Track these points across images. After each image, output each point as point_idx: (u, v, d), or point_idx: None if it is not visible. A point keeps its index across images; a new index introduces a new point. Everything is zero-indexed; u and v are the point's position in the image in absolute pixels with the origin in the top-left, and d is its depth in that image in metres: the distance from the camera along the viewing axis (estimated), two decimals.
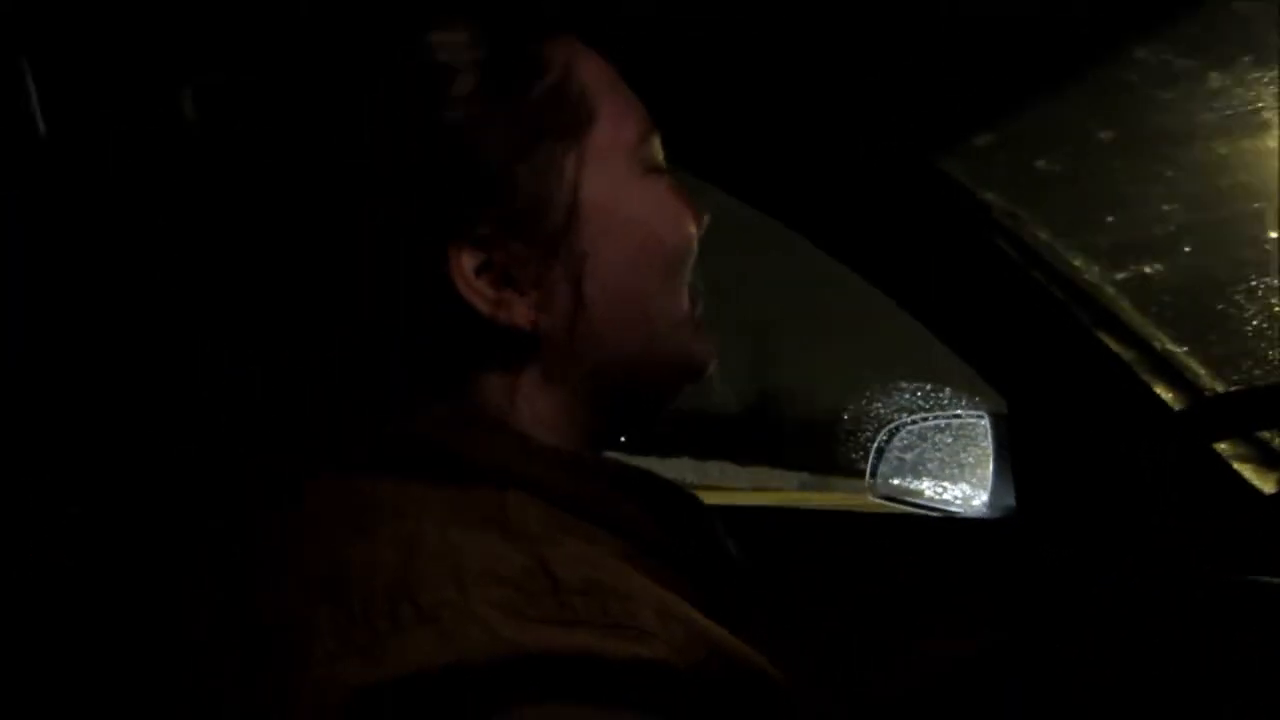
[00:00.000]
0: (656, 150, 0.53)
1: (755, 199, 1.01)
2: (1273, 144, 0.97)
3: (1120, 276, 1.05)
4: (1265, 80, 0.93)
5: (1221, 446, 0.97)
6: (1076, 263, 1.07)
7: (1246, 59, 0.92)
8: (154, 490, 0.57)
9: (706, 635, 0.41)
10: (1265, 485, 0.98)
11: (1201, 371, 1.03)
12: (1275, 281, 1.04)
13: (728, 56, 0.91)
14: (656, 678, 0.38)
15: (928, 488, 1.20)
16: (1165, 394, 1.00)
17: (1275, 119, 0.94)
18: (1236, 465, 0.98)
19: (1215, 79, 0.94)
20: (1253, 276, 1.05)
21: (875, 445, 1.22)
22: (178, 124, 0.53)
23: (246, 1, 0.54)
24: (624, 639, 0.38)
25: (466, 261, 0.46)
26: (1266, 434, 1.00)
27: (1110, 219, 1.11)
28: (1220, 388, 1.05)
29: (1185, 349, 1.03)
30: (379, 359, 0.47)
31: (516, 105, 0.48)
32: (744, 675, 0.42)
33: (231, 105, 0.51)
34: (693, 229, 0.52)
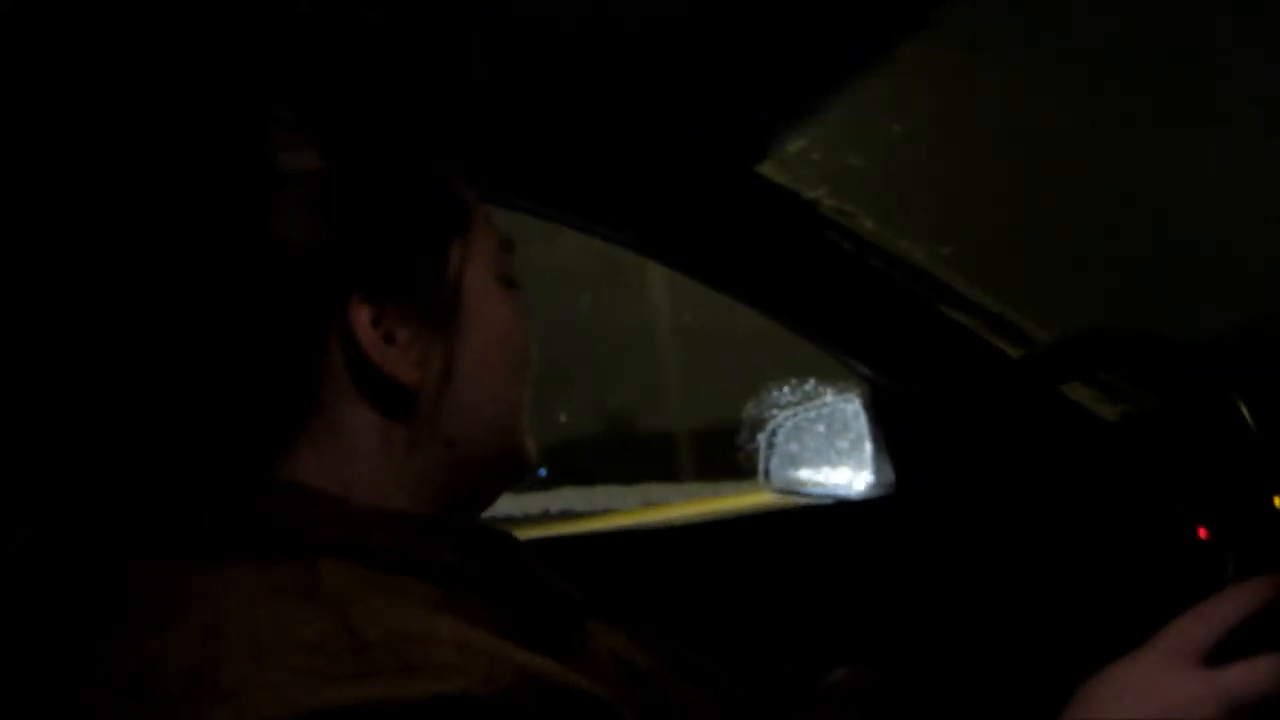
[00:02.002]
0: (511, 265, 0.59)
1: (595, 230, 1.03)
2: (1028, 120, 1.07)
3: (945, 251, 1.13)
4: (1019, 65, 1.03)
5: (1066, 389, 1.06)
6: (903, 245, 1.14)
7: (993, 45, 1.02)
8: None
9: (513, 663, 0.43)
10: (1109, 414, 1.07)
11: (1031, 326, 1.12)
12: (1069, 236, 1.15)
13: (545, 81, 0.92)
14: (456, 712, 0.40)
15: (814, 477, 1.25)
16: (1009, 350, 1.08)
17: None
18: (1082, 401, 1.07)
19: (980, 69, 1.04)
20: (1054, 233, 1.16)
21: (761, 445, 1.26)
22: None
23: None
24: (420, 679, 0.40)
25: (365, 313, 0.50)
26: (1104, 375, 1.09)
27: (923, 201, 1.19)
28: (1047, 338, 1.14)
29: (1013, 308, 1.12)
30: (250, 411, 0.49)
31: (423, 201, 0.54)
32: (561, 697, 0.43)
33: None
34: (532, 344, 0.59)
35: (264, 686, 0.38)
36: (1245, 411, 0.65)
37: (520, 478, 0.59)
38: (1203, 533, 0.67)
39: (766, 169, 1.07)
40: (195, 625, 0.41)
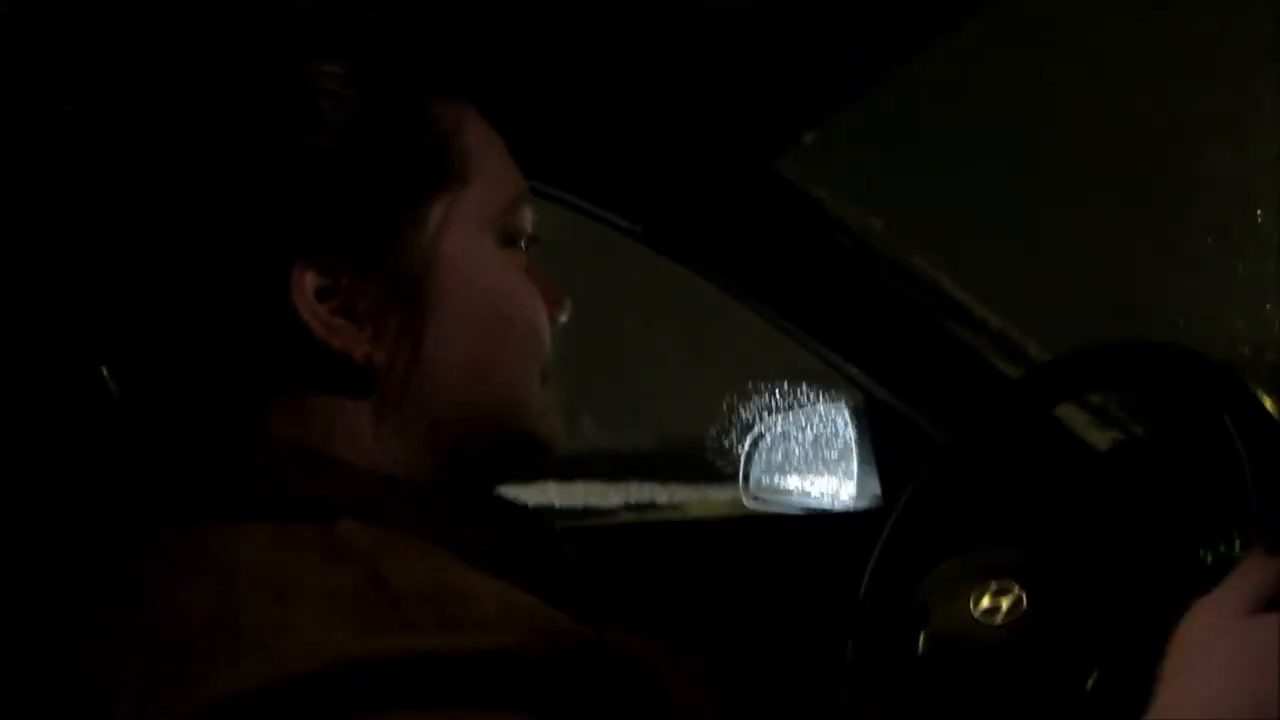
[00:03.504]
0: (524, 222, 0.53)
1: (595, 213, 1.00)
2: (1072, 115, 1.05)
3: (951, 262, 1.10)
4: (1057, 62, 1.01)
5: (1061, 411, 1.04)
6: (909, 252, 1.12)
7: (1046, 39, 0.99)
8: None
9: (550, 623, 0.42)
10: (1100, 442, 1.05)
11: (1031, 345, 1.10)
12: (1090, 253, 1.12)
13: (561, 70, 0.90)
14: (498, 670, 0.38)
15: (798, 486, 1.22)
16: (1007, 369, 1.06)
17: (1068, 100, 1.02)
18: (1075, 428, 1.05)
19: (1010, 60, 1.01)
20: (1070, 249, 1.13)
21: (744, 451, 1.23)
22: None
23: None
24: (462, 636, 0.38)
25: (310, 282, 0.45)
26: (1097, 397, 1.07)
27: (934, 207, 1.17)
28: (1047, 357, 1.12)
29: (1016, 326, 1.10)
30: (213, 380, 0.47)
31: (394, 150, 0.48)
32: (595, 657, 0.42)
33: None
34: (544, 313, 0.53)
35: (292, 634, 0.36)
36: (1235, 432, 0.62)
37: (533, 459, 0.53)
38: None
39: (779, 164, 1.05)
40: (211, 574, 0.39)
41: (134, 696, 0.36)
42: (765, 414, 1.31)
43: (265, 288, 0.45)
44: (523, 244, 0.53)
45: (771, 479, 1.24)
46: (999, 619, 0.76)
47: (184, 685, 0.35)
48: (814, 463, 1.22)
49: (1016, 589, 0.76)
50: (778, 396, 1.40)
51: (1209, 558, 0.70)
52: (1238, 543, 0.69)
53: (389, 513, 0.45)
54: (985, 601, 0.78)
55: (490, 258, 0.51)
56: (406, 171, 0.48)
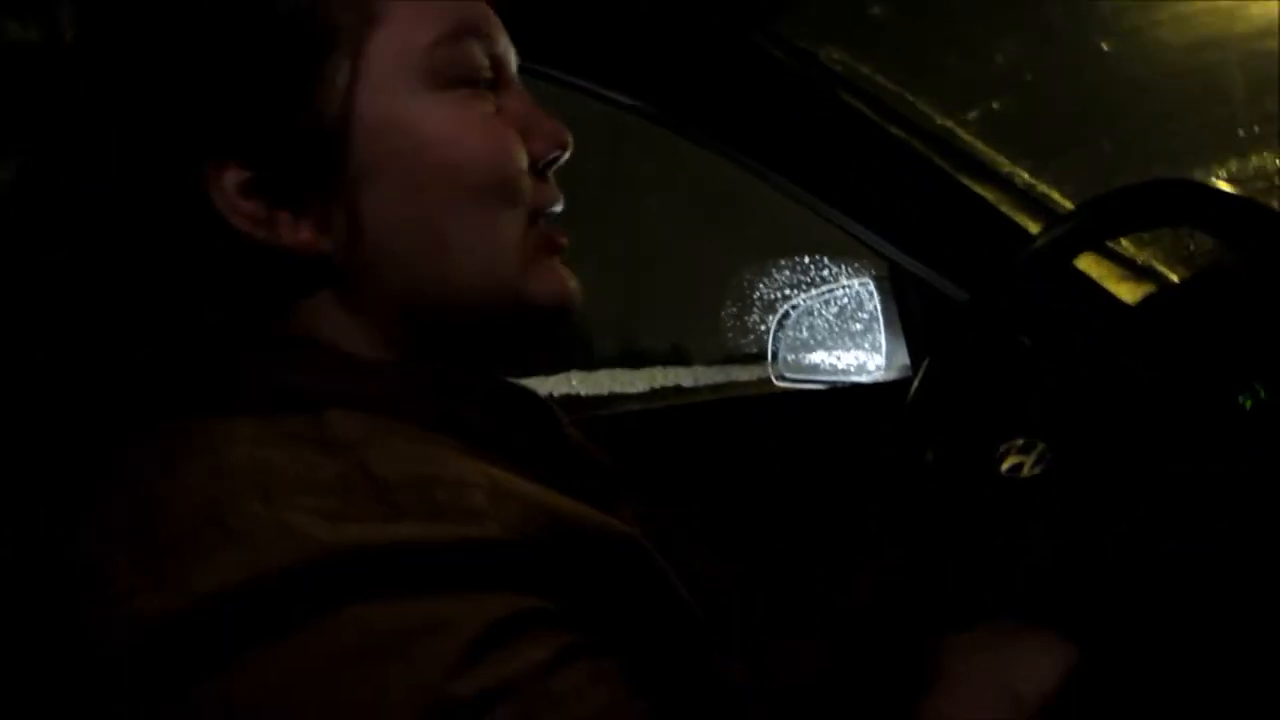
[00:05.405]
0: (470, 57, 0.46)
1: (597, 92, 0.96)
2: None
3: (971, 116, 1.05)
4: None
5: (1083, 264, 1.01)
6: (926, 109, 1.07)
7: None
8: None
9: (545, 507, 0.41)
10: (1129, 296, 1.02)
11: (1060, 198, 1.06)
12: (1120, 99, 1.07)
13: None
14: (490, 556, 0.37)
15: (826, 361, 1.21)
16: (1031, 226, 1.02)
17: None
18: (1101, 281, 1.02)
19: None
20: (1097, 97, 1.08)
21: (771, 330, 1.22)
22: None
23: None
24: (452, 523, 0.37)
25: (229, 178, 0.43)
26: (1128, 248, 1.04)
27: (951, 59, 1.11)
28: None
29: (1043, 179, 1.05)
30: (176, 287, 0.44)
31: (279, 8, 0.43)
32: (596, 542, 0.42)
33: None
34: (514, 154, 0.47)
35: (274, 527, 0.35)
36: None
37: (538, 327, 0.49)
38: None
39: (779, 23, 0.99)
40: (200, 466, 0.38)
41: (126, 590, 0.35)
42: (789, 290, 1.29)
43: (183, 196, 0.42)
44: (482, 82, 0.47)
45: (797, 357, 1.23)
46: (1024, 474, 0.76)
47: (170, 581, 0.35)
48: (841, 336, 1.21)
49: (1041, 445, 0.76)
50: (800, 271, 1.38)
51: (1248, 404, 0.69)
52: None
53: (380, 399, 0.43)
54: (1010, 459, 0.78)
55: (418, 106, 0.45)
56: (296, 33, 0.43)
